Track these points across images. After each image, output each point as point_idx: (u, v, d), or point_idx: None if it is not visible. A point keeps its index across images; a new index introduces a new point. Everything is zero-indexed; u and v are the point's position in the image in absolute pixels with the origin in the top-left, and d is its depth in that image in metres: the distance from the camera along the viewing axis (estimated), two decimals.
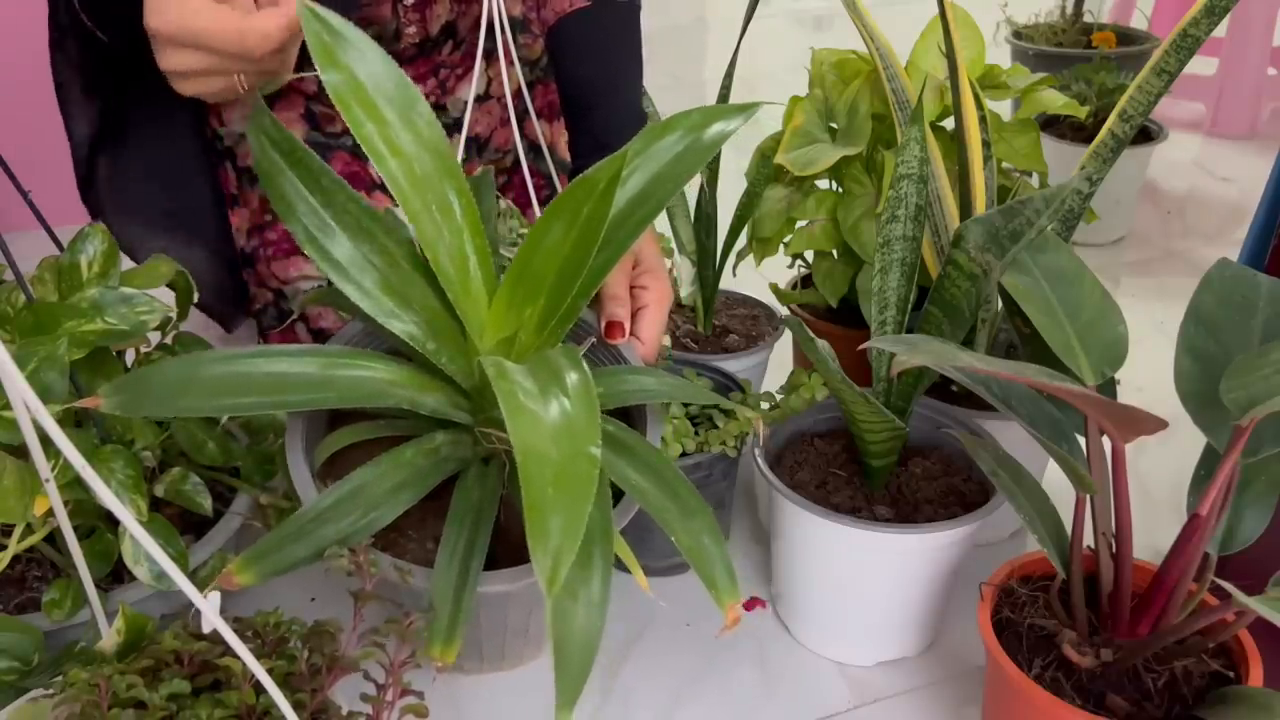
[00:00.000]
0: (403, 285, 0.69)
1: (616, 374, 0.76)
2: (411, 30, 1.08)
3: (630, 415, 0.80)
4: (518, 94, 1.16)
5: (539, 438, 0.51)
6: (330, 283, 0.83)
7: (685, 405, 0.92)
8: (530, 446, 0.50)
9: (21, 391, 0.43)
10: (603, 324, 0.83)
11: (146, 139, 1.12)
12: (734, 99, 1.07)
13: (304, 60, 0.67)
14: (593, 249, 0.64)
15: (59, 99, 1.05)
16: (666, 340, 0.96)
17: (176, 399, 0.61)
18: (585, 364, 0.57)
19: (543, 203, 1.13)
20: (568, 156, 1.11)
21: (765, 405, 0.93)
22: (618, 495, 0.71)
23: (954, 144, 0.95)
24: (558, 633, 0.57)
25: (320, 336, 1.13)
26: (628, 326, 0.83)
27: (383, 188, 1.07)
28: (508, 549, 0.71)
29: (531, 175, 1.01)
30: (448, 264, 0.67)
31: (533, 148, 1.15)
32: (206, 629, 0.49)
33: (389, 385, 0.67)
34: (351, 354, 0.67)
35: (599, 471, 0.50)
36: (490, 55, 0.93)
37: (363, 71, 0.64)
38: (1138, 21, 2.30)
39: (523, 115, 1.13)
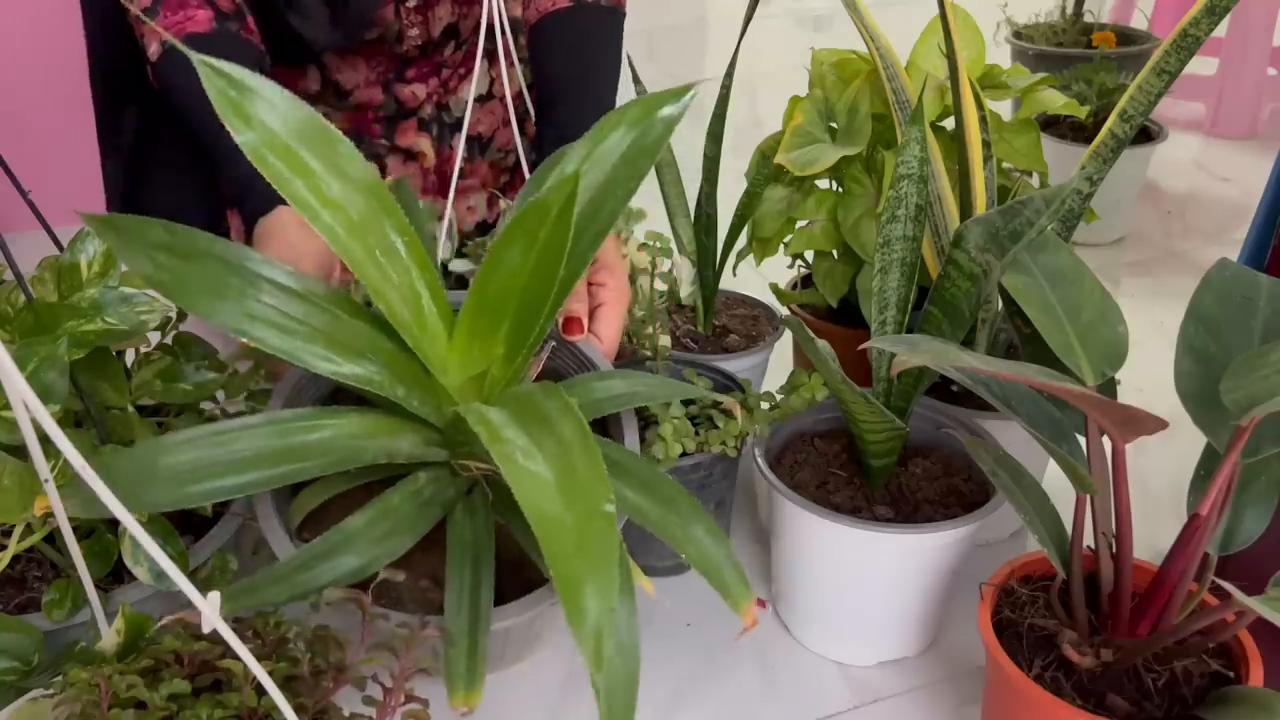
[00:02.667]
0: (351, 337, 0.66)
1: (585, 383, 0.73)
2: (414, 32, 1.08)
3: (604, 421, 0.77)
4: (518, 94, 1.16)
5: (550, 503, 0.49)
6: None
7: (685, 405, 0.92)
8: (544, 514, 0.48)
9: (21, 391, 0.43)
10: (560, 320, 0.81)
11: (161, 151, 1.14)
12: (734, 99, 1.07)
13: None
14: (555, 275, 0.60)
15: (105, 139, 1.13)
16: (666, 340, 0.96)
17: (140, 494, 0.58)
18: (574, 406, 0.55)
19: None
20: None
21: (765, 405, 0.93)
22: None
23: (954, 144, 0.95)
24: (606, 687, 0.54)
25: None
26: (585, 323, 0.82)
27: None
28: (503, 573, 0.68)
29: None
30: (401, 308, 0.64)
31: (534, 147, 1.15)
32: (206, 629, 0.49)
33: (362, 439, 0.64)
34: (311, 414, 0.64)
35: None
36: (491, 56, 0.94)
37: (276, 123, 0.61)
38: (1138, 21, 2.30)
39: (523, 115, 1.13)
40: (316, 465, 0.62)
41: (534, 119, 1.05)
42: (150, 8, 0.92)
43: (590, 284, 0.84)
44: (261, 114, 0.60)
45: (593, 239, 0.68)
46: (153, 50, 0.91)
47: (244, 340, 0.61)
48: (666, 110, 0.70)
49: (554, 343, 0.82)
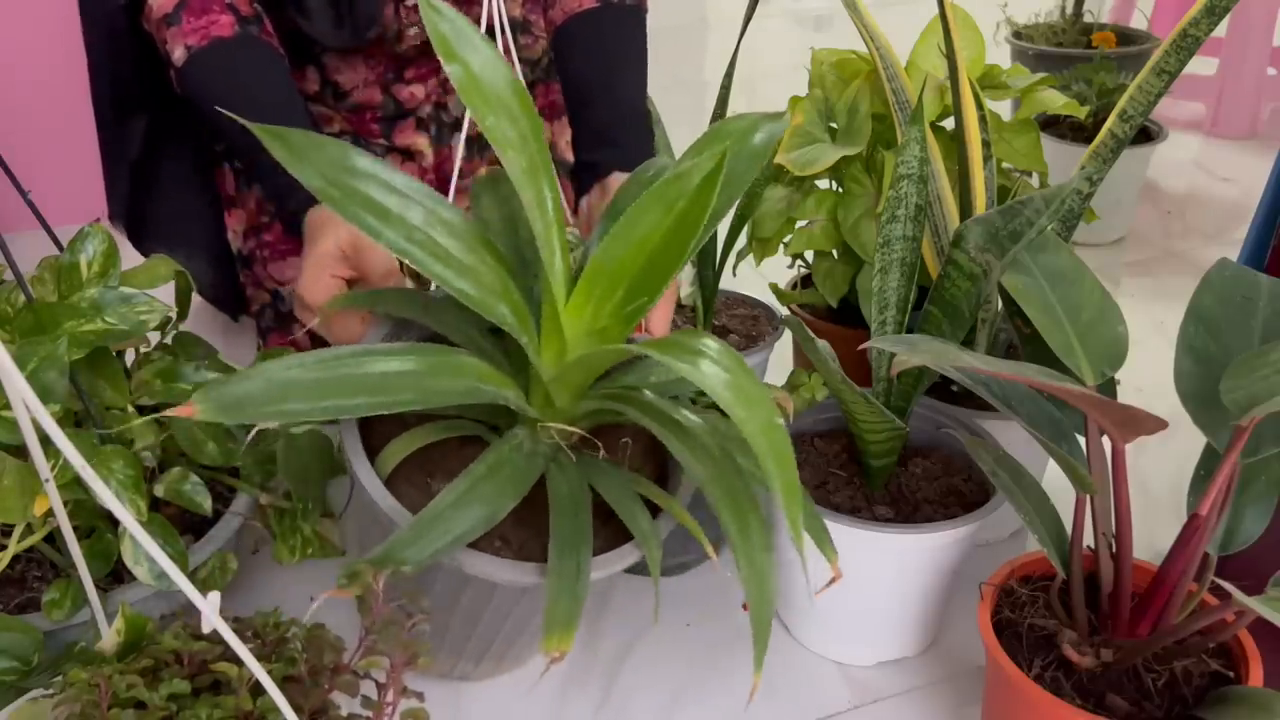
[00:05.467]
0: (493, 279, 0.70)
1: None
2: (413, 31, 1.08)
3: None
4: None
5: (765, 421, 0.55)
6: (350, 285, 0.83)
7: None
8: (761, 427, 0.54)
9: (21, 391, 0.43)
10: None
11: (167, 160, 1.15)
12: (734, 99, 1.07)
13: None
14: (690, 241, 0.64)
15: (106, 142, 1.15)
16: None
17: (278, 403, 0.59)
18: (716, 340, 0.60)
19: None
20: (569, 155, 1.11)
21: None
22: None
23: (954, 144, 0.95)
24: (752, 594, 0.64)
25: (320, 340, 1.14)
26: (643, 322, 0.85)
27: None
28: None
29: None
30: (544, 253, 0.68)
31: (571, 148, 1.15)
32: (206, 629, 0.49)
33: (480, 383, 0.67)
34: (445, 351, 0.67)
35: None
36: None
37: (477, 65, 0.68)
38: (1138, 21, 2.30)
39: None
40: (441, 395, 0.64)
41: (568, 119, 1.07)
42: (173, 14, 0.93)
43: None
44: (467, 55, 0.68)
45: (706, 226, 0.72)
46: (178, 55, 0.92)
47: (406, 261, 0.66)
48: (771, 130, 0.76)
49: None
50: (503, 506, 0.66)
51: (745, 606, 0.95)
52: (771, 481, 0.54)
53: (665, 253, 0.66)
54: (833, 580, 0.68)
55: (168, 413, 0.57)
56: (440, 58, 0.66)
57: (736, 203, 0.87)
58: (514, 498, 0.67)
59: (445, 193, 1.19)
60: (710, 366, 0.57)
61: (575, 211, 1.05)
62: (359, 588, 0.59)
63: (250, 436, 0.69)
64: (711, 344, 0.59)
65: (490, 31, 0.92)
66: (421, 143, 1.17)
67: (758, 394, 0.56)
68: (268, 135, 0.63)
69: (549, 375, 0.69)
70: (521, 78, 1.01)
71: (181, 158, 1.17)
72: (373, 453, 0.72)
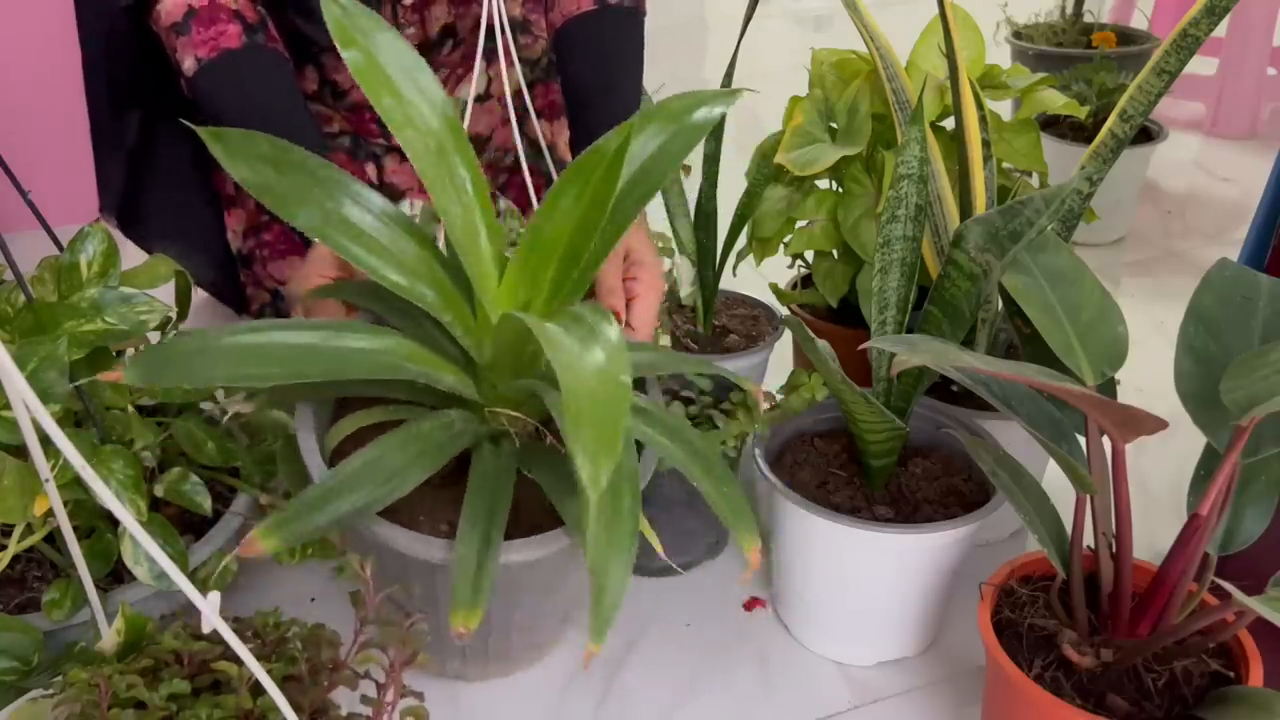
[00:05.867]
0: (415, 261, 0.72)
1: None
2: (411, 31, 1.08)
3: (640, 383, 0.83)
4: (518, 94, 1.16)
5: (578, 366, 0.54)
6: (333, 280, 0.84)
7: (686, 405, 0.92)
8: (572, 369, 0.53)
9: (21, 391, 0.43)
10: None
11: (163, 157, 1.16)
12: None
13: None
14: (603, 213, 0.66)
15: (99, 131, 1.16)
16: (666, 340, 0.96)
17: (195, 369, 0.62)
18: (612, 317, 0.60)
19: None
20: (568, 156, 1.12)
21: (765, 405, 0.92)
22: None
23: (954, 144, 0.95)
24: (596, 564, 0.62)
25: None
26: (624, 316, 0.85)
27: (379, 188, 1.08)
28: (523, 528, 0.72)
29: (532, 175, 1.02)
30: (460, 235, 0.69)
31: (533, 147, 1.15)
32: (206, 629, 0.49)
33: (404, 359, 0.68)
34: (362, 327, 0.69)
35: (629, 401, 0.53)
36: (490, 55, 0.94)
37: (375, 48, 0.70)
38: (1138, 21, 2.30)
39: (523, 115, 1.13)
40: (356, 369, 0.66)
41: (567, 121, 1.08)
42: (182, 23, 0.94)
43: (625, 279, 0.87)
44: (366, 41, 0.70)
45: (637, 200, 0.74)
46: (188, 65, 0.94)
47: (318, 240, 0.69)
48: (707, 109, 0.77)
49: None
50: (409, 478, 0.67)
51: (746, 606, 0.95)
52: (574, 428, 0.50)
53: (583, 229, 0.68)
54: (749, 570, 0.69)
55: (100, 376, 0.60)
56: (338, 45, 0.68)
57: (727, 195, 0.87)
58: (423, 470, 0.67)
59: None
60: (566, 327, 0.57)
61: None
62: (349, 578, 0.60)
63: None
64: (588, 313, 0.59)
65: (490, 31, 0.92)
66: None
67: (596, 357, 0.55)
68: (205, 134, 0.66)
69: (482, 358, 0.71)
70: (521, 78, 1.01)
71: (180, 155, 1.17)
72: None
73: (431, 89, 0.71)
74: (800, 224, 1.11)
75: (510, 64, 0.94)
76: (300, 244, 1.15)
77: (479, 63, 1.09)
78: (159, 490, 0.79)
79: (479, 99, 1.20)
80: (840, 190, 1.10)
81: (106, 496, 0.46)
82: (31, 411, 0.43)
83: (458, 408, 0.73)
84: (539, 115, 1.19)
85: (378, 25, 0.70)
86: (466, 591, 0.63)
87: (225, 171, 1.23)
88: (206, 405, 0.88)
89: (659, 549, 0.73)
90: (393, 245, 0.71)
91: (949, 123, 1.05)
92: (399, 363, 0.68)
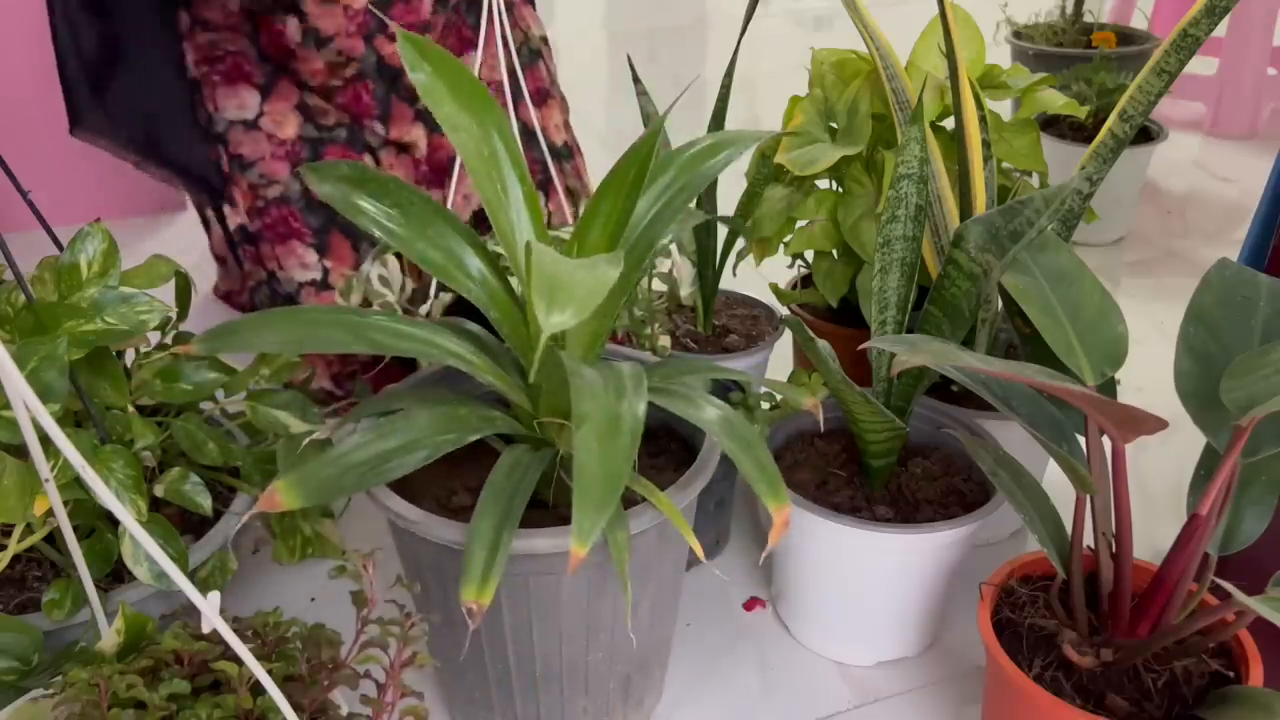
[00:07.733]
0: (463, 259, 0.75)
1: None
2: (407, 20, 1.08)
3: None
4: (512, 76, 1.16)
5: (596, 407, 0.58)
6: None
7: None
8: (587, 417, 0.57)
9: (21, 391, 0.43)
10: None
11: (138, 63, 1.16)
12: (734, 99, 1.07)
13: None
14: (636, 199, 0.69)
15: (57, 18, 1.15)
16: (666, 340, 0.96)
17: (261, 334, 0.65)
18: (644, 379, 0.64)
19: (539, 186, 1.13)
20: (557, 140, 1.11)
21: (765, 405, 0.92)
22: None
23: (954, 144, 0.95)
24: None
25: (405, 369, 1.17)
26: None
27: None
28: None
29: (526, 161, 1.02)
30: (513, 252, 0.72)
31: (526, 132, 1.15)
32: (206, 629, 0.49)
33: (454, 353, 0.71)
34: (456, 328, 0.73)
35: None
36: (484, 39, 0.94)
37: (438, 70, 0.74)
38: (1138, 21, 2.30)
39: (516, 99, 1.13)
40: (411, 347, 0.70)
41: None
42: None
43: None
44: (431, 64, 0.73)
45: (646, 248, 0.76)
46: None
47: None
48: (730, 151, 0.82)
49: None
50: (425, 450, 0.68)
51: (746, 606, 0.95)
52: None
53: (615, 230, 0.71)
54: (778, 527, 0.67)
55: (178, 349, 0.62)
56: (409, 71, 0.70)
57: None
58: (443, 445, 0.68)
59: (437, 184, 1.20)
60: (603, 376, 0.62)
61: (569, 193, 1.05)
62: (351, 576, 0.60)
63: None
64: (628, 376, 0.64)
65: (489, 22, 0.92)
66: (416, 134, 1.17)
67: (600, 387, 0.61)
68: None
69: (530, 368, 0.71)
70: (519, 67, 1.01)
71: (148, 52, 1.18)
72: None
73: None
74: (800, 224, 1.11)
75: (506, 46, 0.95)
76: (300, 230, 1.15)
77: (479, 47, 1.09)
78: (159, 490, 0.79)
79: None
80: (840, 190, 1.10)
81: (106, 496, 0.46)
82: (31, 411, 0.43)
83: (505, 412, 0.74)
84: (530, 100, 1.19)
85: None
86: (479, 568, 0.63)
87: (220, 152, 1.23)
88: (206, 405, 0.88)
89: (698, 550, 0.71)
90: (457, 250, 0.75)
91: (949, 123, 1.05)
92: (450, 352, 0.70)
